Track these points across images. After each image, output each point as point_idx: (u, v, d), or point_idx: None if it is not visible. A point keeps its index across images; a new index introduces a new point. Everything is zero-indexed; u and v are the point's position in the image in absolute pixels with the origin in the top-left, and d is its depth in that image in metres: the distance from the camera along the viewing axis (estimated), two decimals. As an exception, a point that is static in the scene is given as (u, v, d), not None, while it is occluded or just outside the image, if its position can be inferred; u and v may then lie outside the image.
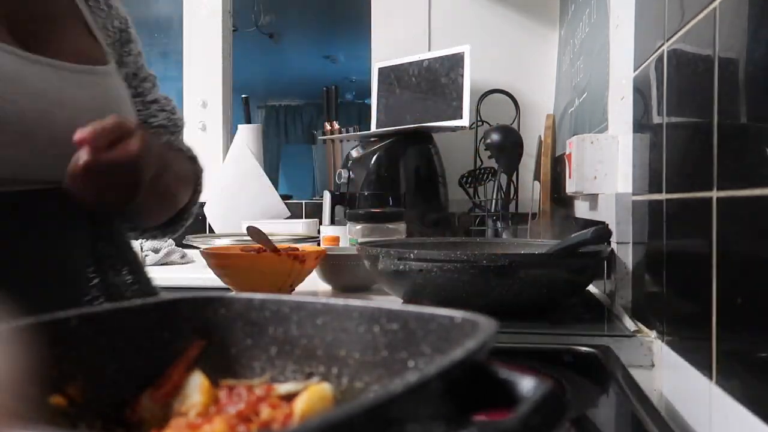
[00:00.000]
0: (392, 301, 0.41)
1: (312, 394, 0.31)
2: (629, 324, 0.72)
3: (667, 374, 0.61)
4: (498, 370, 0.25)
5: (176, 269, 1.56)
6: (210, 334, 0.35)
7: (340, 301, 0.34)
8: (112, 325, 0.33)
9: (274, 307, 0.35)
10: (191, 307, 0.36)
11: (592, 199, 0.95)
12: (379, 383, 0.31)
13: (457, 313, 0.29)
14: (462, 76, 1.54)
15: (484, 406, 0.25)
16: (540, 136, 1.57)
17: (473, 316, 0.29)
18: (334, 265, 1.03)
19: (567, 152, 0.99)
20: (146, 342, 0.34)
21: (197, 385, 0.32)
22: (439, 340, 0.30)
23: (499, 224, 1.45)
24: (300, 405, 0.30)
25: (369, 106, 1.81)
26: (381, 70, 1.73)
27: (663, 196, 0.62)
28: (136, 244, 1.02)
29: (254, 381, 0.34)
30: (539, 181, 1.44)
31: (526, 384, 0.24)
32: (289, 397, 0.31)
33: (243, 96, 1.99)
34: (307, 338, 0.34)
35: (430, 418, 0.23)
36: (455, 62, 1.56)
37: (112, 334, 0.32)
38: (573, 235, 0.77)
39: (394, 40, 1.80)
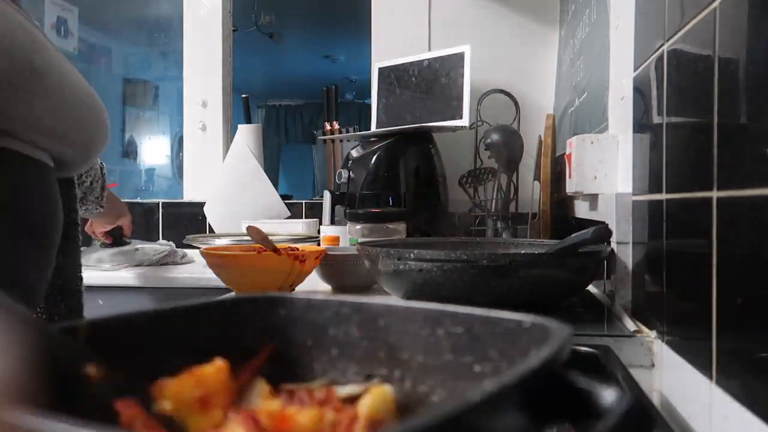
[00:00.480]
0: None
1: (375, 396, 0.30)
2: (629, 324, 0.72)
3: (667, 374, 0.61)
4: (576, 379, 0.24)
5: (176, 269, 1.56)
6: (271, 335, 0.35)
7: (401, 303, 0.33)
8: (176, 323, 0.33)
9: (335, 307, 0.34)
10: (252, 307, 0.36)
11: (592, 199, 0.95)
12: (444, 388, 0.31)
13: (525, 317, 0.28)
14: (462, 76, 1.54)
15: (561, 417, 0.24)
16: (540, 136, 1.57)
17: (544, 320, 0.27)
18: (334, 265, 1.03)
19: (567, 152, 0.99)
20: (207, 341, 0.33)
21: (258, 390, 0.31)
22: (506, 345, 0.29)
23: (499, 224, 1.45)
24: (364, 407, 0.29)
25: (369, 106, 1.81)
26: (381, 70, 1.73)
27: (663, 196, 0.62)
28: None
29: (314, 384, 0.33)
30: (539, 181, 1.44)
31: (608, 395, 0.23)
32: (350, 400, 0.30)
33: (243, 96, 1.99)
34: (369, 340, 0.33)
35: (506, 429, 0.21)
36: (455, 62, 1.56)
37: (174, 332, 0.33)
38: (573, 235, 0.77)
39: (394, 40, 1.80)
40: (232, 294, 0.37)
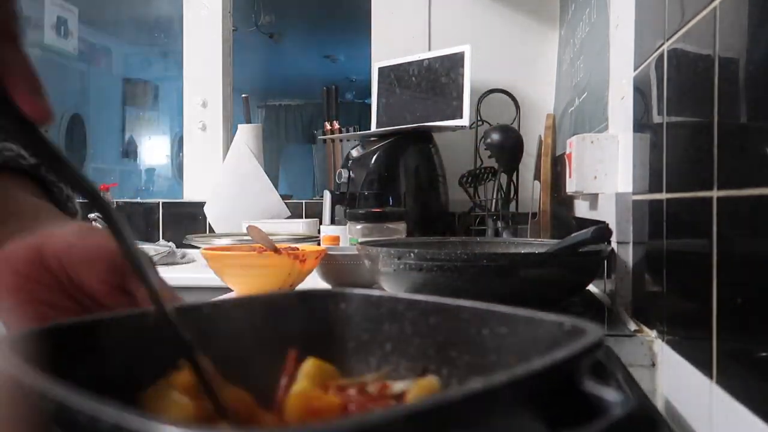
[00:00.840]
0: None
1: (422, 388, 0.31)
2: (629, 324, 0.72)
3: (668, 374, 0.61)
4: (584, 382, 0.24)
5: (176, 269, 1.56)
6: (331, 328, 0.36)
7: (450, 301, 0.34)
8: (236, 314, 0.35)
9: (390, 304, 0.36)
10: (313, 301, 0.37)
11: (593, 198, 0.95)
12: None
13: (566, 320, 0.28)
14: (462, 75, 1.54)
15: (569, 421, 0.23)
16: (540, 136, 1.57)
17: (581, 323, 0.27)
18: (334, 265, 1.03)
19: (567, 152, 0.99)
20: (272, 332, 0.35)
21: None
22: (547, 346, 0.28)
23: (499, 224, 1.45)
24: (411, 397, 0.30)
25: (369, 106, 1.81)
26: (381, 70, 1.73)
27: (663, 195, 0.62)
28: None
29: (367, 378, 0.34)
30: (539, 181, 1.44)
31: (612, 398, 0.22)
32: (401, 396, 0.31)
33: (243, 96, 1.99)
34: (421, 336, 0.34)
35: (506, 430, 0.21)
36: (455, 62, 1.56)
37: (233, 322, 0.35)
38: (573, 235, 0.77)
39: (394, 40, 1.80)
40: (302, 288, 0.40)
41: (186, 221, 1.96)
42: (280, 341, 0.34)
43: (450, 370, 0.33)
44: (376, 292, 0.37)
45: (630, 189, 0.77)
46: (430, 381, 0.32)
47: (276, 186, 1.90)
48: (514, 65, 1.74)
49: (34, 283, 0.40)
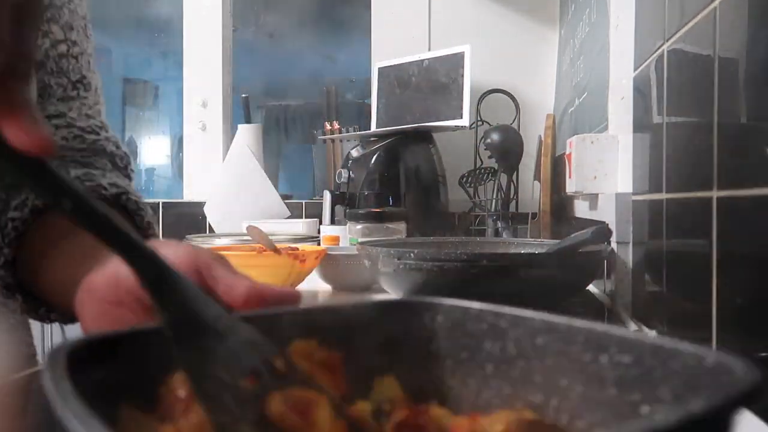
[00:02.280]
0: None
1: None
2: (629, 324, 0.72)
3: (667, 374, 0.61)
4: None
5: (176, 269, 1.56)
6: (428, 341, 0.33)
7: (563, 320, 0.29)
8: (325, 323, 0.33)
9: (492, 319, 0.32)
10: (406, 311, 0.34)
11: (592, 198, 0.95)
12: (604, 426, 0.27)
13: (708, 353, 0.23)
14: (462, 76, 1.54)
15: None
16: (540, 136, 1.57)
17: (728, 359, 0.22)
18: (334, 265, 1.03)
19: (567, 152, 0.99)
20: (359, 343, 0.33)
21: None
22: (684, 385, 0.24)
23: (499, 224, 1.45)
24: None
25: (369, 106, 1.81)
26: (381, 70, 1.73)
27: (663, 195, 0.62)
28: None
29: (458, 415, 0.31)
30: (539, 181, 1.44)
31: None
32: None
33: (243, 96, 1.99)
34: (525, 359, 0.30)
35: None
36: (455, 62, 1.56)
37: (325, 331, 0.32)
38: (573, 235, 0.77)
39: (394, 40, 1.80)
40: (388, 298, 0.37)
41: (186, 221, 1.96)
42: (364, 357, 0.31)
43: (560, 402, 0.28)
44: (476, 305, 0.33)
45: (630, 189, 0.77)
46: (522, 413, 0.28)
47: (276, 186, 1.90)
48: (514, 65, 1.74)
49: (116, 307, 0.41)
